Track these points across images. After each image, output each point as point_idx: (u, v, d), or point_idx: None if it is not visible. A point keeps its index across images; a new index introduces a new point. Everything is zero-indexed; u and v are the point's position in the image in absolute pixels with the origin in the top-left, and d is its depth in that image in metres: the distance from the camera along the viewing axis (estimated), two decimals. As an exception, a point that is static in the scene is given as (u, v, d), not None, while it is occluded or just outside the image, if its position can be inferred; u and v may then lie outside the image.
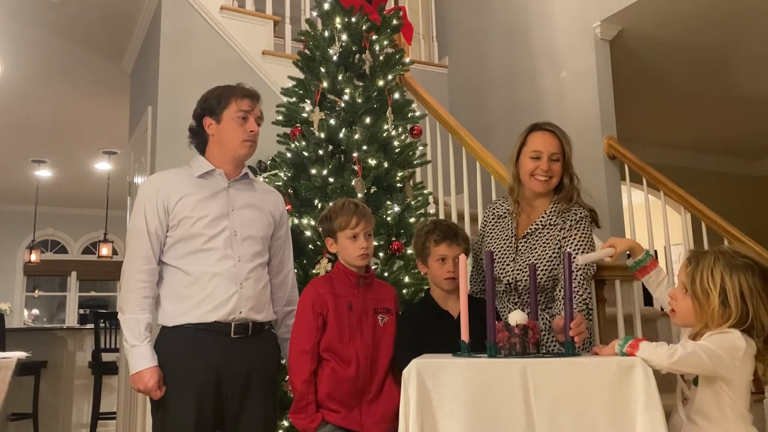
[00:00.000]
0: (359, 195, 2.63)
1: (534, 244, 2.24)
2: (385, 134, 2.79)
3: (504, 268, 2.26)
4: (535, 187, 2.24)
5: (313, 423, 2.05)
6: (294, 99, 2.92)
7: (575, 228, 2.19)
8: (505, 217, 2.35)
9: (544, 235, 2.24)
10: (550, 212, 2.25)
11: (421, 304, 2.35)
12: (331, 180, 2.70)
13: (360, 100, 2.79)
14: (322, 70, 2.84)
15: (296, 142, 2.82)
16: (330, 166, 2.73)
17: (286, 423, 2.52)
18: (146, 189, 2.18)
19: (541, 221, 2.25)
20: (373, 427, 2.07)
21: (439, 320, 2.17)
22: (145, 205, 2.14)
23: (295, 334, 2.14)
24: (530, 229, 2.26)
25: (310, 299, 2.13)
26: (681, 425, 1.81)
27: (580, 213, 2.22)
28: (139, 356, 2.05)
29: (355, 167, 2.70)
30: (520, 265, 2.24)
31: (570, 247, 2.16)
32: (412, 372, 1.68)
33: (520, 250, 2.26)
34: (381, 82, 2.86)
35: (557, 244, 2.21)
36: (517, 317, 1.77)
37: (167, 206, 2.13)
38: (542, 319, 2.19)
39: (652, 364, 1.67)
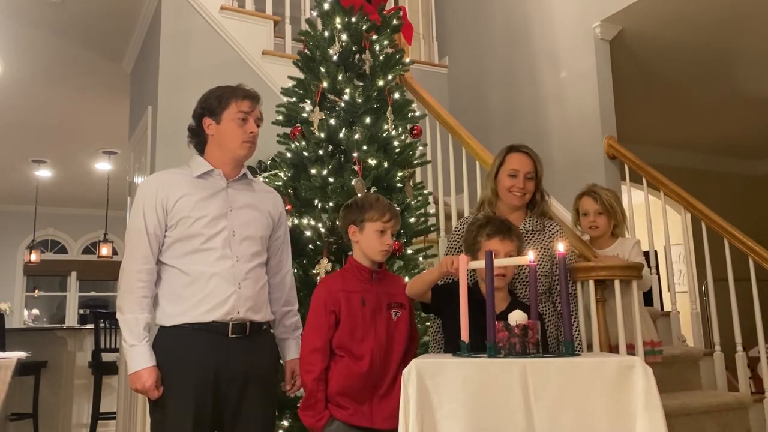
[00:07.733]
0: (359, 195, 2.63)
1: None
2: (385, 134, 2.79)
3: None
4: (512, 201, 2.48)
5: (321, 421, 2.06)
6: (294, 99, 2.92)
7: (559, 235, 2.44)
8: None
9: (530, 239, 2.42)
10: (528, 222, 2.46)
11: (471, 289, 2.26)
12: (331, 180, 2.70)
13: (360, 100, 2.79)
14: (322, 70, 2.84)
15: (296, 142, 2.81)
16: (330, 166, 2.73)
17: (285, 423, 2.52)
18: (145, 189, 2.18)
19: (523, 227, 2.43)
20: (384, 422, 2.05)
21: (480, 306, 2.11)
22: (144, 204, 2.13)
23: (306, 332, 2.15)
24: None
25: (322, 297, 2.14)
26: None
27: (557, 226, 2.49)
28: (137, 356, 2.04)
29: (355, 167, 2.70)
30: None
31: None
32: (411, 372, 1.68)
33: None
34: (381, 82, 2.85)
35: (544, 246, 2.41)
36: (517, 317, 1.77)
37: (166, 206, 2.12)
38: (545, 308, 2.35)
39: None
